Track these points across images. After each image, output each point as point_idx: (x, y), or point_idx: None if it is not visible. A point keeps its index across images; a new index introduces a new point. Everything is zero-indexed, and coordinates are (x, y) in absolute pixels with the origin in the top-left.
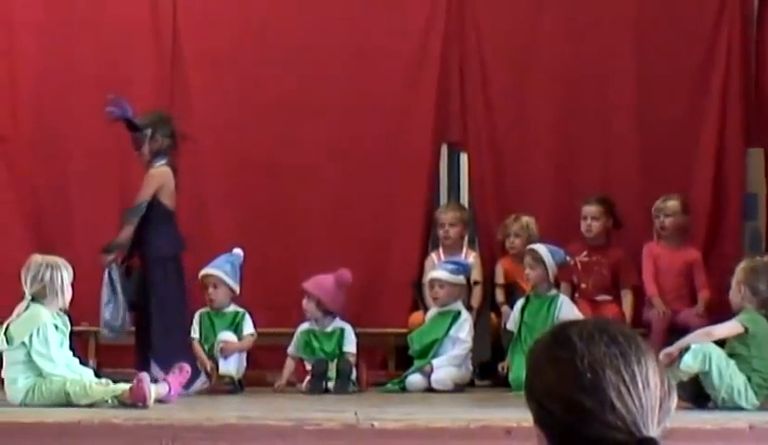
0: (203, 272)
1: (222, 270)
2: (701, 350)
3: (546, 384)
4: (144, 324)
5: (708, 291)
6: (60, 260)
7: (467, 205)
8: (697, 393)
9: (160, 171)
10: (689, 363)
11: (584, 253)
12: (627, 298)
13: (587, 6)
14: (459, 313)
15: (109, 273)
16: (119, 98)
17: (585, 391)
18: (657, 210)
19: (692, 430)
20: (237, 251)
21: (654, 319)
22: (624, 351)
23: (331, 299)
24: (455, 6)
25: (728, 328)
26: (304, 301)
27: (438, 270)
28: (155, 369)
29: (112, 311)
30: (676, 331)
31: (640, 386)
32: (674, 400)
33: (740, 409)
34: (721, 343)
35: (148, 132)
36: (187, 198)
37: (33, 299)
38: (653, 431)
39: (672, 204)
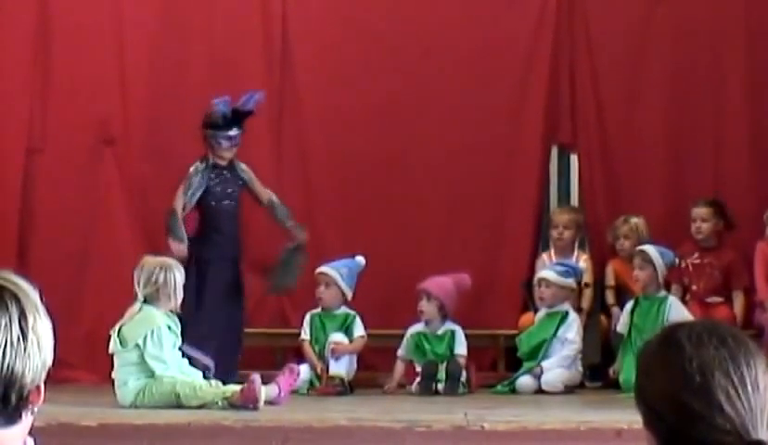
0: (319, 269)
1: (338, 271)
2: None
3: (655, 386)
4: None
5: None
6: (173, 262)
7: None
8: None
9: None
10: None
11: (695, 255)
12: (738, 300)
13: (698, 7)
14: (567, 314)
15: None
16: (253, 94)
17: (694, 394)
18: None
19: None
20: (360, 259)
21: (767, 322)
22: (733, 354)
23: (451, 302)
24: (565, 7)
25: None
26: (423, 303)
27: (546, 270)
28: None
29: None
30: None
31: (749, 388)
32: None
33: None
34: None
35: None
36: (296, 198)
37: (145, 301)
38: (762, 434)
39: None
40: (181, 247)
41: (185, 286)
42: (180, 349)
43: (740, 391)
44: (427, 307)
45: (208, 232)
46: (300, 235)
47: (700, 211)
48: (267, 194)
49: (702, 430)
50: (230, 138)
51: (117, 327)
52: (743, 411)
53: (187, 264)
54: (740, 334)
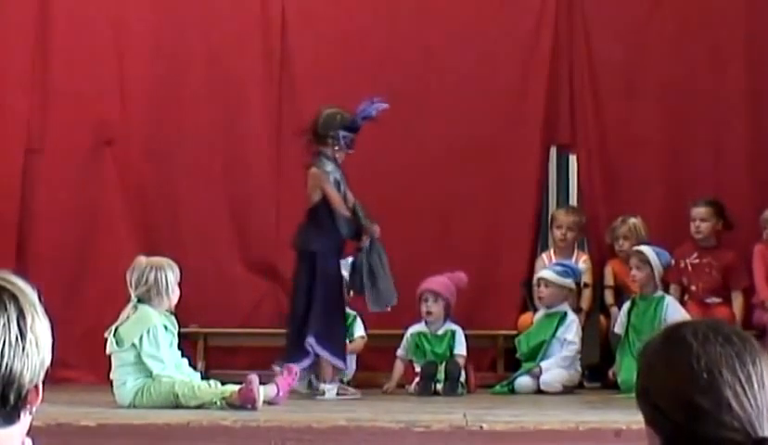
0: None
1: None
2: None
3: (661, 385)
4: None
5: None
6: (165, 261)
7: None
8: None
9: None
10: None
11: (694, 255)
12: (737, 300)
13: (698, 7)
14: (566, 315)
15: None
16: (373, 101)
17: (702, 391)
18: (765, 222)
19: None
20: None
21: None
22: (739, 351)
23: (454, 302)
24: (565, 7)
25: None
26: (431, 303)
27: (545, 269)
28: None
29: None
30: None
31: (756, 386)
32: None
33: None
34: None
35: None
36: (295, 198)
37: (140, 301)
38: None
39: None
40: (375, 228)
41: (318, 281)
42: (179, 348)
43: (747, 388)
44: (434, 308)
45: (334, 227)
46: (373, 229)
47: (699, 211)
48: (351, 196)
49: (710, 428)
50: (354, 141)
51: (113, 328)
52: (750, 408)
53: (311, 259)
54: (743, 332)
